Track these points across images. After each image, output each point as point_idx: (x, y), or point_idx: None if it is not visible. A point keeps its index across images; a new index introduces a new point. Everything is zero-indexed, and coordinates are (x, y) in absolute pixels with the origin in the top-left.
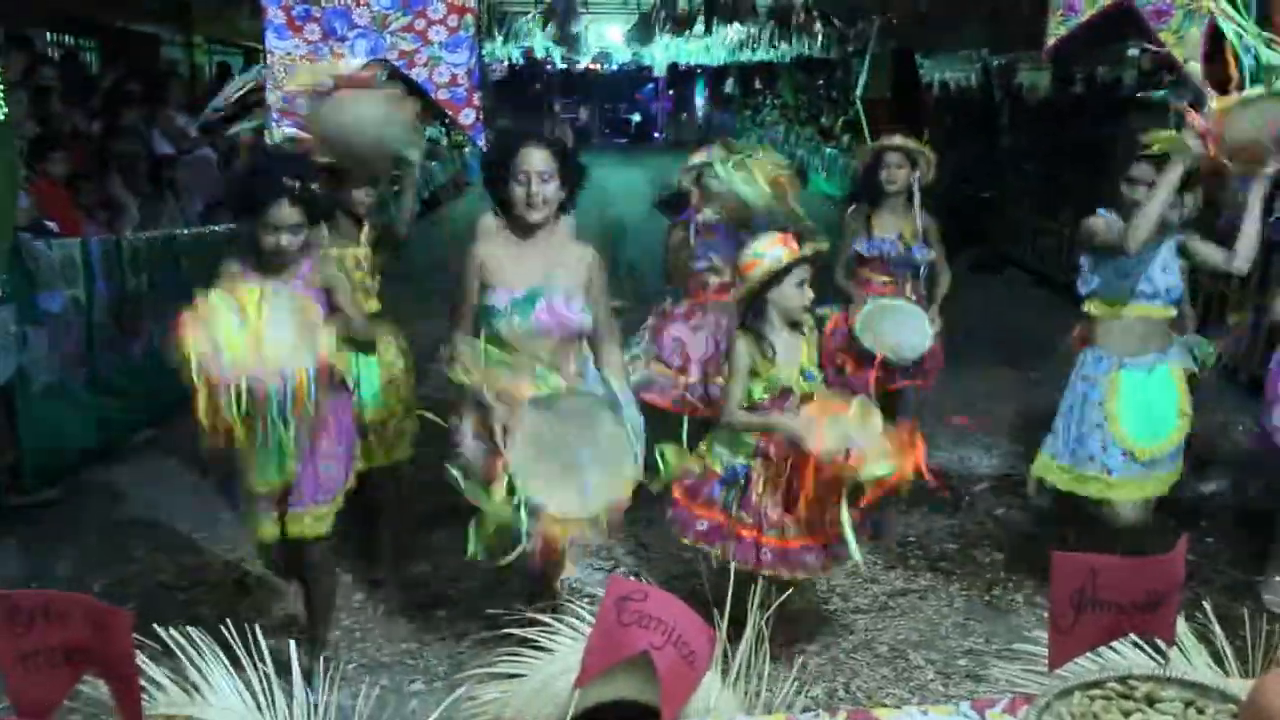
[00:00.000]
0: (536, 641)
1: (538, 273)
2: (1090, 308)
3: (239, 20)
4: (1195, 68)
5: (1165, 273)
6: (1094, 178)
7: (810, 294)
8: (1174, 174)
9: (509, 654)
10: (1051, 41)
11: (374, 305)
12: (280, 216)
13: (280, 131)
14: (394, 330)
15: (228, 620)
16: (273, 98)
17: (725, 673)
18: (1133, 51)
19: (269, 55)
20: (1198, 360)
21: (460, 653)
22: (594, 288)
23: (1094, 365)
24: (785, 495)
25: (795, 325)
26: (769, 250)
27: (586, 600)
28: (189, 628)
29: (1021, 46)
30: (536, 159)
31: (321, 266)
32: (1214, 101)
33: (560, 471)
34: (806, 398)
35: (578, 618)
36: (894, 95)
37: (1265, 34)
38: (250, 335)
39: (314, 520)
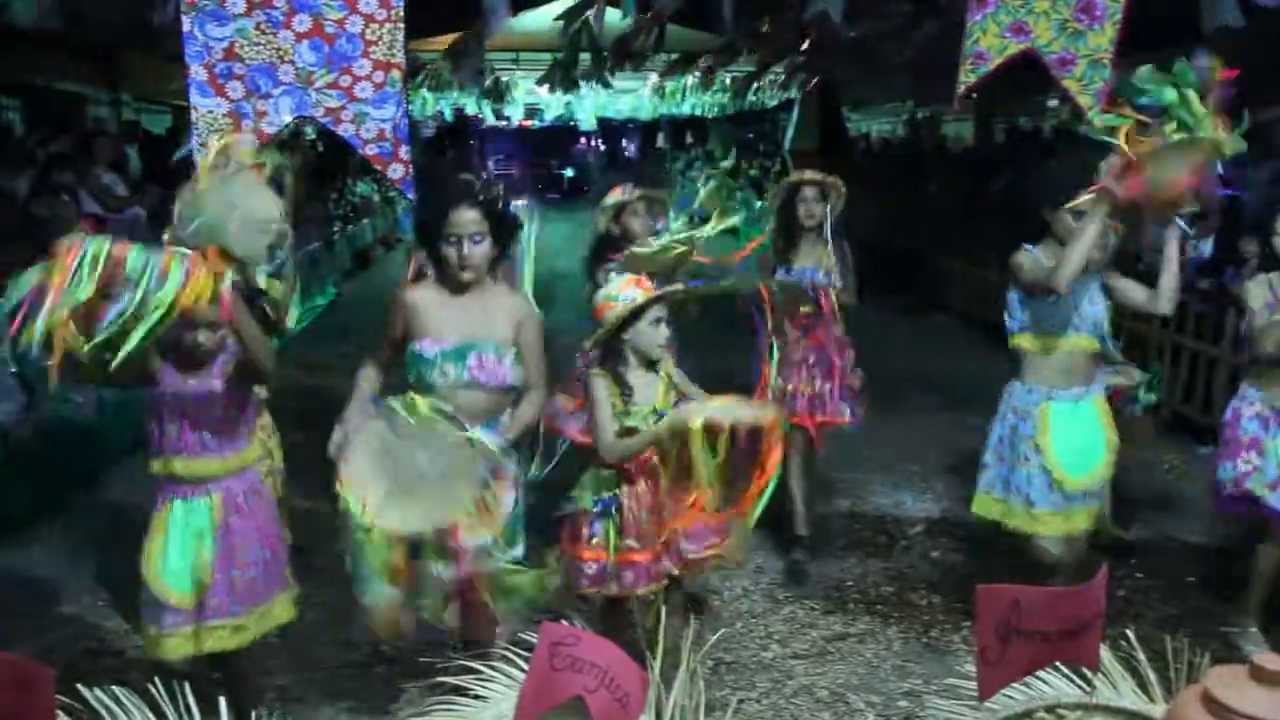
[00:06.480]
0: (470, 690)
1: (469, 326)
2: (1020, 342)
3: (166, 78)
4: (1098, 115)
5: (1092, 305)
6: (1016, 223)
7: (666, 332)
8: (1095, 223)
9: (443, 703)
10: (961, 89)
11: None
12: None
13: None
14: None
15: (155, 680)
16: (199, 157)
17: (659, 715)
18: (1052, 103)
19: (194, 113)
20: (1141, 403)
21: (398, 707)
22: (526, 340)
23: (1023, 397)
24: (659, 509)
25: (652, 365)
26: (623, 291)
27: (519, 647)
28: (115, 688)
29: (945, 99)
30: (467, 220)
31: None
32: (1131, 144)
33: (399, 489)
34: None
35: (511, 664)
36: (821, 147)
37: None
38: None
39: (231, 632)
